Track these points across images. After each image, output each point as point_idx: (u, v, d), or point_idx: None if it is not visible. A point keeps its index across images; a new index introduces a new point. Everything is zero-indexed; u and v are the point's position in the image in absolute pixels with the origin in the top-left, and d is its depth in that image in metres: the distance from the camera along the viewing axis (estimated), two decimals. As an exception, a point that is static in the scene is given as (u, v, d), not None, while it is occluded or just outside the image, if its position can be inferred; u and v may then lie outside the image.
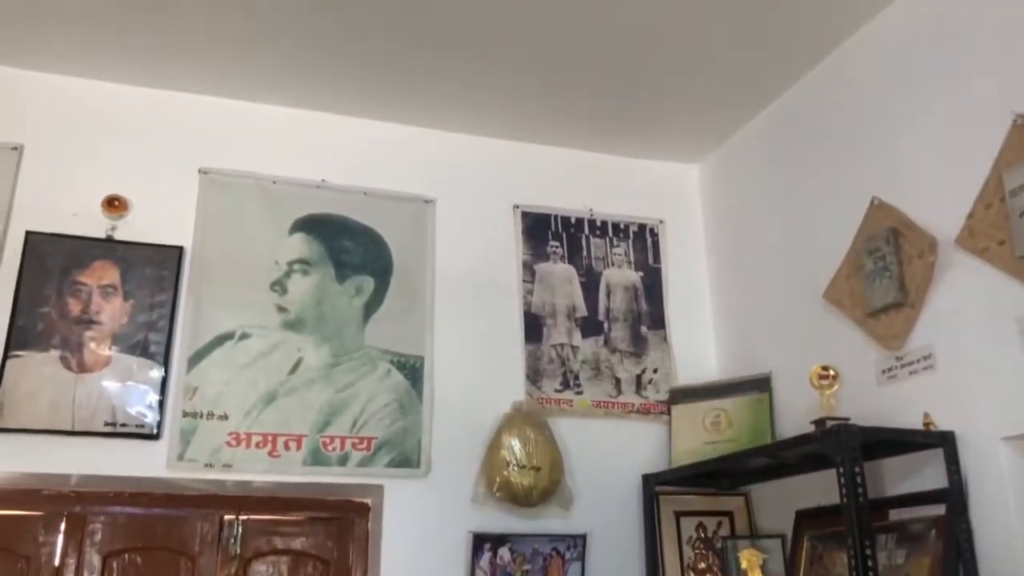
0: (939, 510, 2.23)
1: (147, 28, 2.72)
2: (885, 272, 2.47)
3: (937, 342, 2.33)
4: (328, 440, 2.85)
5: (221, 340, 2.86)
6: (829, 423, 2.30)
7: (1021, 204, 2.07)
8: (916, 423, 2.32)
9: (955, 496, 2.19)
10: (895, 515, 2.37)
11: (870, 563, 2.08)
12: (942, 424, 2.27)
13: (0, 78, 2.92)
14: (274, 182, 3.08)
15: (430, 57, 2.89)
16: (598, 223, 3.42)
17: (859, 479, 2.14)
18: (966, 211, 2.24)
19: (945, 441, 2.24)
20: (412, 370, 3.00)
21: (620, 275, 3.38)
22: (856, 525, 2.11)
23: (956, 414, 2.25)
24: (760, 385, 3.02)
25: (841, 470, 2.16)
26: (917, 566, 2.22)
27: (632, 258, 3.42)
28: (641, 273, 3.41)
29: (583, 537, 2.95)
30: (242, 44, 2.82)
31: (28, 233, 2.78)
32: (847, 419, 2.33)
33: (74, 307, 2.77)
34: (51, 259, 2.78)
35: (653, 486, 3.02)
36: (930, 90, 2.45)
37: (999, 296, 2.15)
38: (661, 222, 3.50)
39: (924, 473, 2.34)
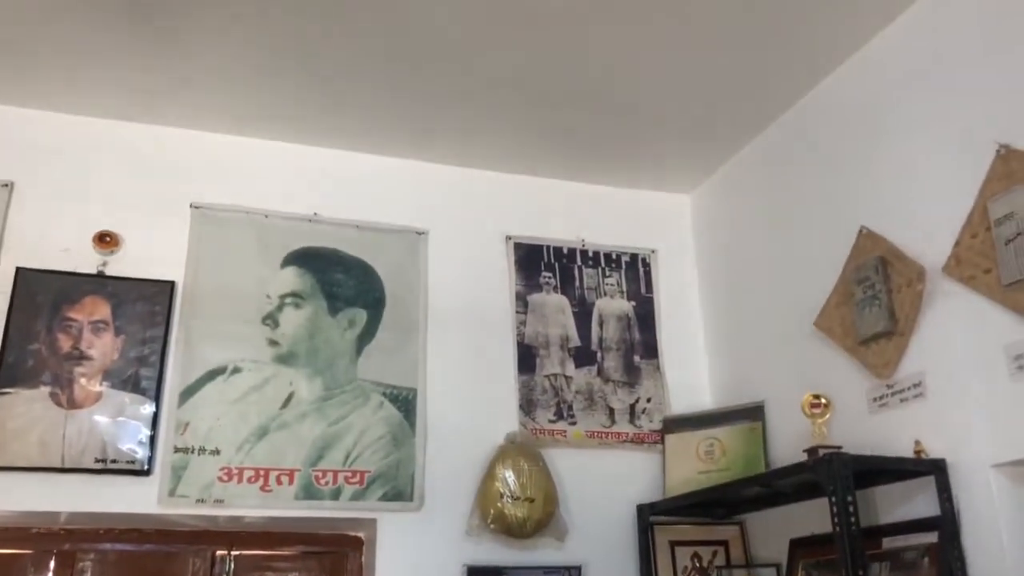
0: (932, 538, 2.23)
1: (137, 64, 2.75)
2: (875, 301, 2.49)
3: (927, 370, 2.34)
4: (321, 474, 2.83)
5: (213, 375, 2.85)
6: (821, 452, 2.31)
7: (1006, 233, 2.10)
8: (907, 451, 2.32)
9: (947, 524, 2.19)
10: (888, 543, 2.36)
11: (865, 592, 2.07)
12: (933, 452, 2.28)
13: (-9, 115, 2.94)
14: (266, 216, 3.09)
15: (421, 91, 2.92)
16: (590, 253, 3.44)
17: (851, 507, 2.14)
18: (953, 240, 2.26)
19: (936, 469, 2.24)
20: (405, 402, 2.99)
21: (613, 305, 3.40)
22: (849, 554, 2.10)
23: (947, 442, 2.25)
24: (753, 414, 3.02)
25: (833, 499, 2.16)
26: (912, 595, 2.22)
27: (624, 288, 3.43)
28: (633, 303, 3.42)
29: (578, 568, 2.93)
30: (233, 79, 2.84)
31: (18, 269, 2.78)
32: (839, 447, 2.33)
33: (64, 343, 2.76)
34: (41, 295, 2.77)
35: (648, 516, 3.01)
36: (916, 120, 2.49)
37: (986, 324, 2.17)
38: (653, 252, 3.52)
39: (916, 501, 2.34)
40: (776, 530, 2.89)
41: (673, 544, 3.05)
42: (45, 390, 2.68)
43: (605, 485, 3.10)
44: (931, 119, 2.43)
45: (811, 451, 2.37)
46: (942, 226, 2.31)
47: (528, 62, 2.77)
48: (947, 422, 2.27)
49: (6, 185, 2.86)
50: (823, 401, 2.49)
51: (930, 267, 2.35)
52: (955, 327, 2.28)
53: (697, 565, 3.03)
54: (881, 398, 2.49)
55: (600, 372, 3.28)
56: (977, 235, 2.19)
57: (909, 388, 2.39)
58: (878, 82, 2.65)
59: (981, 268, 2.17)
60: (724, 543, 3.07)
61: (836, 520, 2.15)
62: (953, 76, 2.37)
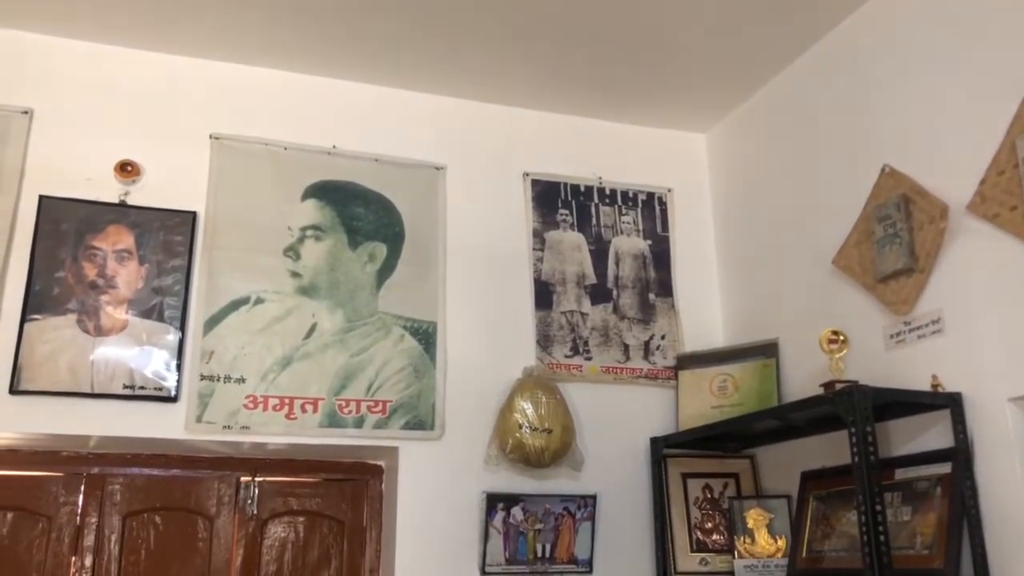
0: (945, 468, 2.29)
1: (160, -9, 2.71)
2: (895, 238, 2.52)
3: (946, 306, 2.38)
4: (344, 403, 2.88)
5: (236, 305, 2.88)
6: (838, 386, 2.36)
7: (1034, 170, 2.12)
8: (923, 386, 2.37)
9: (961, 454, 2.26)
10: (901, 474, 2.43)
11: (880, 518, 2.14)
12: (949, 386, 2.33)
13: (9, 41, 2.89)
14: (285, 148, 3.08)
15: (441, 24, 2.88)
16: (607, 191, 3.45)
17: (870, 439, 2.20)
18: (978, 178, 2.28)
19: (952, 402, 2.29)
20: (425, 335, 3.03)
21: (629, 243, 3.42)
22: (867, 484, 2.17)
23: (964, 376, 2.30)
24: (767, 351, 3.07)
25: (853, 430, 2.21)
26: (923, 523, 2.29)
27: (641, 226, 3.45)
28: (649, 241, 3.45)
29: (593, 497, 3.02)
30: (254, 9, 2.80)
31: (42, 197, 2.77)
32: (856, 382, 2.38)
33: (89, 271, 2.77)
34: (66, 223, 2.78)
35: (661, 448, 3.08)
36: (943, 58, 2.48)
37: (1009, 260, 2.20)
38: (669, 191, 3.53)
39: (930, 434, 2.40)
40: (786, 463, 2.97)
41: (685, 476, 3.13)
42: (72, 317, 2.71)
43: (619, 419, 3.16)
44: (958, 56, 2.42)
45: (828, 385, 2.42)
46: (966, 164, 2.33)
47: (553, -6, 2.74)
48: (964, 357, 2.31)
49: (26, 112, 2.84)
50: (841, 337, 2.53)
51: (953, 205, 2.37)
52: (975, 264, 2.31)
53: (708, 496, 3.11)
54: (898, 334, 2.53)
55: (616, 309, 3.32)
56: (1004, 172, 2.20)
57: (927, 324, 2.43)
58: (901, 18, 2.63)
59: (1007, 206, 2.19)
60: (735, 475, 3.15)
61: (855, 451, 2.20)
62: (980, 12, 2.35)
